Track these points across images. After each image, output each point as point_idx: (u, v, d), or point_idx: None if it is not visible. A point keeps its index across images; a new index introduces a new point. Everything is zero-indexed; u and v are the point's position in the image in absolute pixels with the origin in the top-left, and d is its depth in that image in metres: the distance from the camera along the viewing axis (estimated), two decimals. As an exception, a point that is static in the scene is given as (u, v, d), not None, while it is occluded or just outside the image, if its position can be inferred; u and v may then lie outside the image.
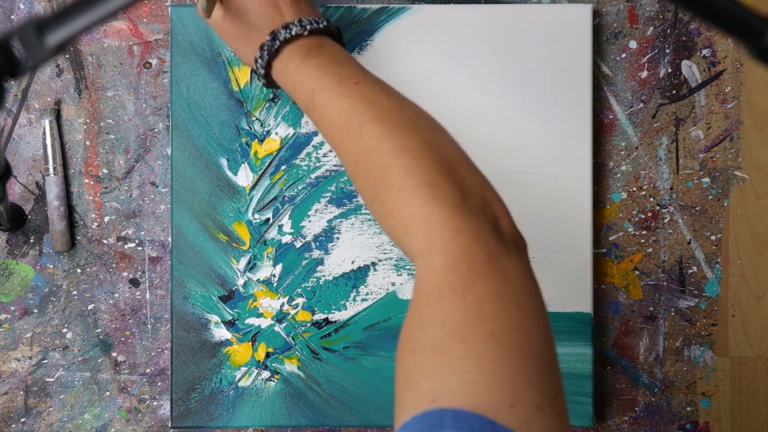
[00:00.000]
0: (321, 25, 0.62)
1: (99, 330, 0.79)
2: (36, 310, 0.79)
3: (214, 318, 0.78)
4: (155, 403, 0.79)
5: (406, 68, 0.78)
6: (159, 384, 0.79)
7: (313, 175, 0.78)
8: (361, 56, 0.78)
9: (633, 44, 0.80)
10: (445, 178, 0.50)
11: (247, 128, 0.78)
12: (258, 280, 0.78)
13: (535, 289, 0.48)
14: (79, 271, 0.79)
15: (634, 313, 0.80)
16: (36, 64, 0.49)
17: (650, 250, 0.80)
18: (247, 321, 0.78)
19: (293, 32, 0.61)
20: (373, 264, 0.78)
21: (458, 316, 0.45)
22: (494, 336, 0.44)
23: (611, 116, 0.80)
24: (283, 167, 0.78)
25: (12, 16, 0.79)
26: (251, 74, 0.78)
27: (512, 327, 0.44)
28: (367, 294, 0.78)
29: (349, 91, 0.57)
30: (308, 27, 0.61)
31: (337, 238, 0.78)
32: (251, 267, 0.78)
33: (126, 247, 0.79)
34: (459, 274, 0.46)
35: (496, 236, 0.48)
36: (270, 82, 0.64)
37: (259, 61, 0.62)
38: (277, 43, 0.61)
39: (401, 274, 0.78)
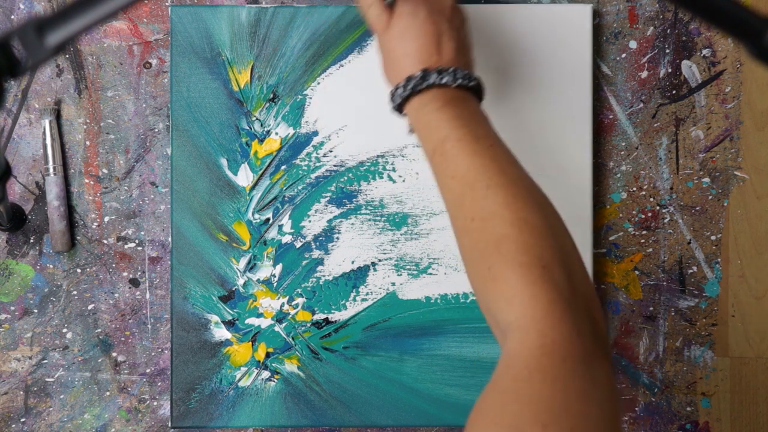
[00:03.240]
0: (471, 83, 0.62)
1: (99, 330, 0.79)
2: (36, 310, 0.79)
3: (214, 318, 0.78)
4: (155, 403, 0.79)
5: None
6: (159, 384, 0.79)
7: (313, 175, 0.78)
8: (361, 56, 0.78)
9: (633, 44, 0.80)
10: (560, 266, 0.50)
11: (247, 128, 0.78)
12: (258, 280, 0.78)
13: (617, 400, 0.49)
14: (79, 271, 0.79)
15: (634, 313, 0.80)
16: (36, 64, 0.49)
17: (650, 250, 0.80)
18: (247, 321, 0.78)
19: (444, 80, 0.61)
20: (373, 264, 0.78)
21: (544, 401, 0.45)
22: (573, 431, 0.44)
23: (611, 116, 0.80)
24: (283, 167, 0.78)
25: (12, 16, 0.79)
26: (251, 74, 0.78)
27: (592, 429, 0.45)
28: (367, 294, 0.78)
29: (484, 151, 0.57)
30: (460, 81, 0.61)
31: (337, 238, 0.78)
32: (251, 267, 0.78)
33: (126, 247, 0.79)
34: (553, 361, 0.46)
35: (593, 338, 0.49)
36: (398, 110, 0.64)
37: (400, 90, 0.62)
38: (425, 84, 0.61)
39: (401, 274, 0.78)
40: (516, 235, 0.52)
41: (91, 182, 0.79)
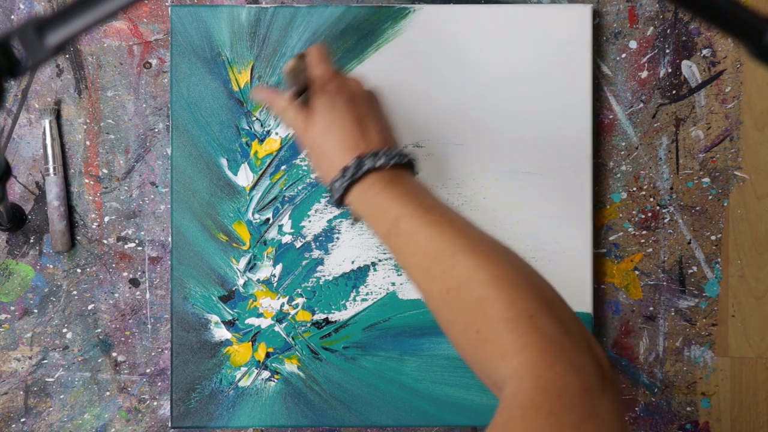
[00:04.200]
0: (405, 160, 0.62)
1: (99, 330, 0.79)
2: (36, 310, 0.79)
3: (214, 318, 0.78)
4: (155, 403, 0.79)
5: (406, 68, 0.78)
6: (159, 384, 0.79)
7: (313, 175, 0.78)
8: (361, 56, 0.78)
9: (633, 44, 0.80)
10: (546, 313, 0.51)
11: (247, 128, 0.78)
12: (258, 280, 0.78)
13: (623, 427, 0.48)
14: (79, 271, 0.79)
15: (634, 313, 0.80)
16: (36, 64, 0.49)
17: (650, 250, 0.80)
18: (247, 321, 0.78)
19: (379, 163, 0.61)
20: (373, 264, 0.78)
21: None
22: None
23: (611, 116, 0.80)
24: (283, 167, 0.78)
25: (12, 16, 0.79)
26: (251, 74, 0.78)
27: None
28: (367, 294, 0.78)
29: (438, 220, 0.57)
30: (396, 159, 0.61)
31: (337, 238, 0.78)
32: (251, 267, 0.78)
33: (126, 247, 0.79)
34: (547, 398, 0.47)
35: (596, 372, 0.49)
36: (339, 203, 0.63)
37: (338, 182, 0.61)
38: (362, 170, 0.61)
39: (401, 274, 0.78)
40: (496, 294, 0.52)
41: (91, 182, 0.79)
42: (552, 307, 0.51)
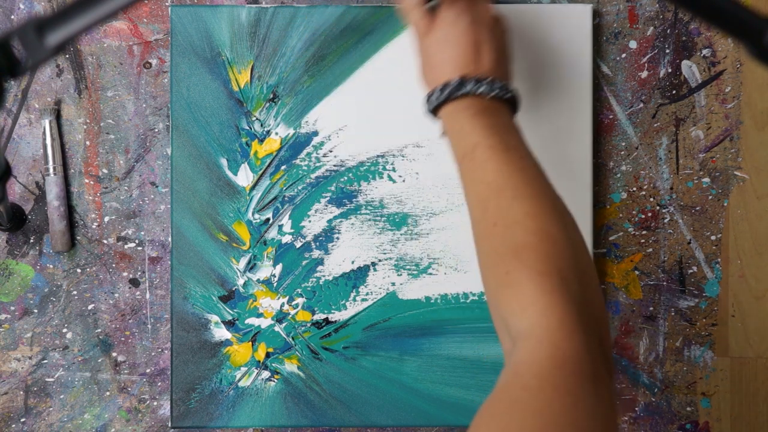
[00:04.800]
0: (508, 95, 0.63)
1: (99, 330, 0.79)
2: (36, 310, 0.79)
3: (214, 318, 0.78)
4: (155, 403, 0.79)
5: (407, 68, 0.78)
6: (159, 384, 0.79)
7: (313, 175, 0.78)
8: (361, 56, 0.78)
9: (633, 44, 0.80)
10: (577, 280, 0.51)
11: (247, 128, 0.78)
12: (258, 280, 0.78)
13: (617, 417, 0.49)
14: (79, 271, 0.79)
15: (634, 313, 0.80)
16: (36, 64, 0.49)
17: (650, 250, 0.80)
18: (247, 321, 0.78)
19: (480, 90, 0.61)
20: (373, 264, 0.78)
21: (554, 414, 0.45)
22: None
23: (611, 116, 0.80)
24: (283, 167, 0.78)
25: (12, 16, 0.79)
26: (251, 74, 0.78)
27: None
28: (367, 294, 0.78)
29: (513, 161, 0.58)
30: (497, 93, 0.62)
31: (337, 238, 0.78)
32: (251, 267, 0.78)
33: (126, 247, 0.79)
34: (563, 374, 0.47)
35: (600, 355, 0.49)
36: (432, 113, 0.64)
37: (436, 94, 0.63)
38: (462, 91, 0.62)
39: (401, 274, 0.78)
40: (537, 244, 0.52)
41: (91, 182, 0.79)
42: (584, 275, 0.52)
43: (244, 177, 0.78)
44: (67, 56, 0.79)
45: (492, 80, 0.62)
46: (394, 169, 0.78)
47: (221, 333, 0.78)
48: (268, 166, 0.78)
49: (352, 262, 0.78)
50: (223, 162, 0.78)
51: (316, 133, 0.78)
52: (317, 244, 0.78)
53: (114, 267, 0.79)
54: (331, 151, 0.78)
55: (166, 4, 0.79)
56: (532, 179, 0.57)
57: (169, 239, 0.78)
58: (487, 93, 0.61)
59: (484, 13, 0.65)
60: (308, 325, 0.78)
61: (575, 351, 0.48)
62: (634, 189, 0.80)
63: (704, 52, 0.80)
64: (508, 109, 0.63)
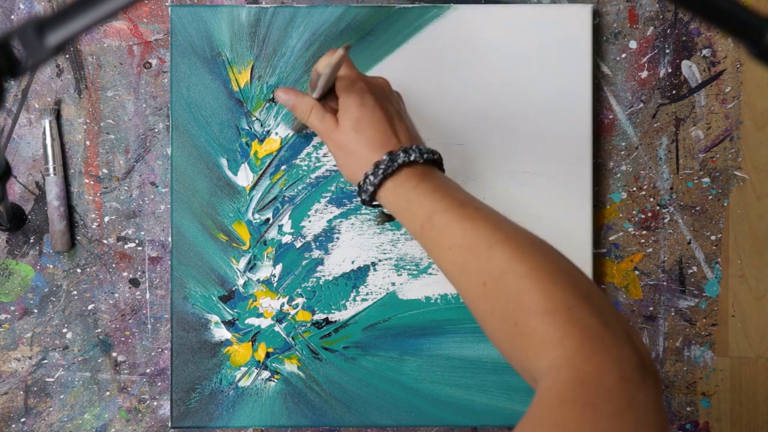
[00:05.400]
0: (435, 156, 0.63)
1: (99, 330, 0.79)
2: (36, 310, 0.79)
3: (214, 318, 0.78)
4: (155, 403, 0.79)
5: (405, 68, 0.78)
6: (159, 384, 0.79)
7: (313, 175, 0.78)
8: (360, 56, 0.78)
9: (633, 44, 0.80)
10: (584, 304, 0.50)
11: (247, 128, 0.78)
12: (258, 280, 0.78)
13: (661, 422, 0.48)
14: (79, 271, 0.79)
15: (634, 313, 0.80)
16: (36, 64, 0.49)
17: (650, 250, 0.80)
18: (247, 321, 0.78)
19: (412, 158, 0.61)
20: (373, 264, 0.78)
21: (573, 424, 0.45)
22: None
23: (611, 116, 0.80)
24: (283, 167, 0.78)
25: (12, 16, 0.79)
26: (251, 74, 0.78)
27: None
28: (367, 294, 0.78)
29: (472, 214, 0.57)
30: (425, 156, 0.62)
31: (337, 238, 0.78)
32: (251, 267, 0.78)
33: (126, 247, 0.79)
34: (585, 389, 0.47)
35: (636, 363, 0.48)
36: (370, 199, 0.64)
37: (371, 178, 0.62)
38: (396, 164, 0.61)
39: (401, 274, 0.78)
40: (533, 286, 0.52)
41: (91, 182, 0.79)
42: (589, 298, 0.51)
43: (244, 177, 0.78)
44: (67, 56, 0.79)
45: (417, 147, 0.62)
46: (394, 169, 0.78)
47: (221, 333, 0.78)
48: (268, 166, 0.78)
49: (352, 262, 0.78)
50: (223, 162, 0.78)
51: (315, 134, 0.78)
52: (317, 244, 0.78)
53: (114, 267, 0.79)
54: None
55: (166, 4, 0.79)
56: (498, 224, 0.56)
57: (169, 239, 0.78)
58: (420, 158, 0.61)
59: (384, 88, 0.66)
60: (308, 325, 0.78)
61: (597, 367, 0.47)
62: (634, 189, 0.80)
63: (704, 52, 0.80)
64: (438, 170, 0.63)
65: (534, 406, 0.48)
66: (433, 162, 0.63)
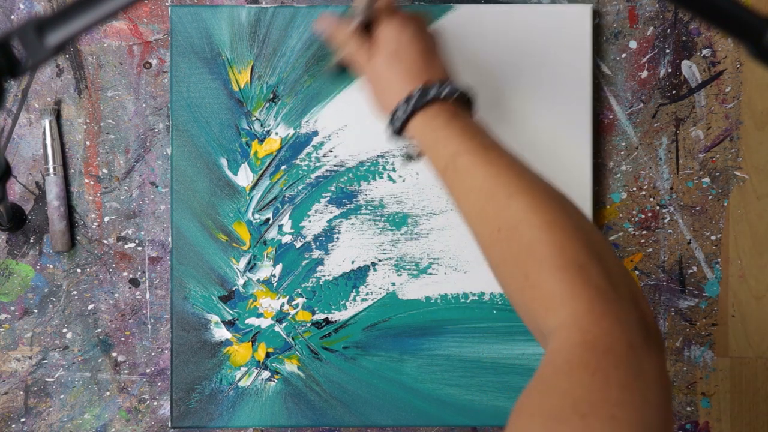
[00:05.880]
0: (469, 94, 0.62)
1: (99, 330, 0.79)
2: (36, 310, 0.79)
3: (214, 318, 0.78)
4: (155, 403, 0.79)
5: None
6: (159, 384, 0.79)
7: (313, 175, 0.78)
8: (361, 56, 0.78)
9: (633, 44, 0.80)
10: (596, 264, 0.50)
11: (247, 128, 0.78)
12: (258, 280, 0.78)
13: (666, 391, 0.48)
14: (79, 271, 0.79)
15: (634, 313, 0.80)
16: (36, 64, 0.49)
17: (650, 250, 0.80)
18: (247, 321, 0.78)
19: (445, 93, 0.61)
20: (373, 264, 0.78)
21: (583, 391, 0.45)
22: (614, 419, 0.44)
23: (611, 116, 0.80)
24: (283, 167, 0.78)
25: (12, 16, 0.79)
26: (251, 74, 0.78)
27: (634, 416, 0.44)
28: (367, 294, 0.78)
29: (497, 160, 0.57)
30: (459, 93, 0.61)
31: (337, 238, 0.78)
32: (251, 267, 0.78)
33: (126, 247, 0.79)
34: (594, 354, 0.46)
35: (641, 329, 0.48)
36: (398, 131, 0.63)
37: (401, 111, 0.61)
38: (428, 98, 0.61)
39: (401, 274, 0.78)
40: (547, 239, 0.51)
41: (91, 182, 0.79)
42: (602, 257, 0.51)
43: (244, 177, 0.78)
44: (67, 56, 0.79)
45: (451, 83, 0.61)
46: (394, 169, 0.78)
47: (221, 333, 0.78)
48: (268, 166, 0.78)
49: (352, 262, 0.78)
50: (223, 162, 0.78)
51: (316, 133, 0.78)
52: (317, 244, 0.78)
53: (114, 267, 0.79)
54: (331, 151, 0.78)
55: (166, 4, 0.79)
56: (520, 173, 0.56)
57: (169, 239, 0.78)
58: (452, 95, 0.61)
59: (421, 23, 0.65)
60: (308, 325, 0.78)
61: (605, 332, 0.47)
62: (634, 189, 0.80)
63: (704, 52, 0.80)
64: (469, 111, 0.63)
65: (542, 369, 0.48)
66: (466, 102, 0.62)
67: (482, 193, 0.56)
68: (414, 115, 0.61)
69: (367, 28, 0.65)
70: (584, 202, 0.78)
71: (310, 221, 0.78)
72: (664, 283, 0.80)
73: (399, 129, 0.62)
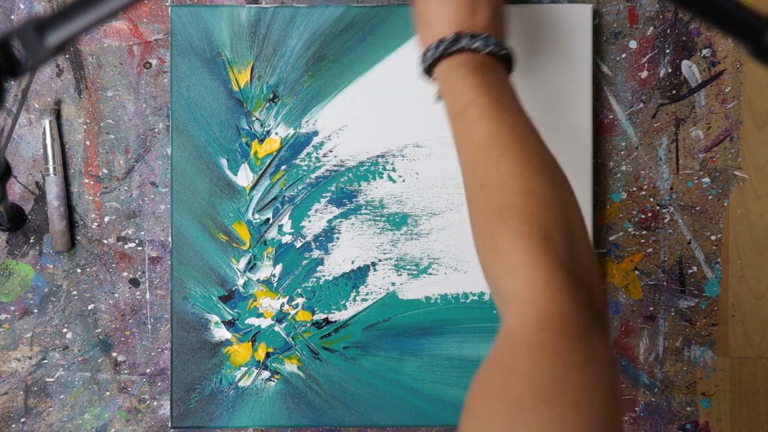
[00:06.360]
0: (502, 52, 0.62)
1: (99, 330, 0.79)
2: (36, 310, 0.79)
3: (214, 318, 0.78)
4: (155, 403, 0.79)
5: (406, 68, 0.78)
6: (159, 384, 0.79)
7: (313, 175, 0.78)
8: (366, 61, 0.78)
9: (633, 44, 0.80)
10: (562, 238, 0.50)
11: (247, 128, 0.78)
12: (258, 280, 0.78)
13: (616, 371, 0.49)
14: (79, 271, 0.79)
15: (634, 313, 0.80)
16: (36, 64, 0.49)
17: (650, 250, 0.80)
18: (247, 321, 0.78)
19: (476, 46, 0.61)
20: (373, 264, 0.78)
21: (544, 375, 0.45)
22: (576, 405, 0.44)
23: (611, 116, 0.80)
24: (283, 167, 0.78)
25: (12, 16, 0.79)
26: (251, 74, 0.78)
27: (594, 401, 0.45)
28: (367, 294, 0.78)
29: (503, 119, 0.57)
30: (491, 49, 0.61)
31: (337, 238, 0.78)
32: (251, 267, 0.78)
33: (126, 247, 0.79)
34: (551, 335, 0.46)
35: (590, 310, 0.49)
36: (427, 71, 0.64)
37: (431, 52, 0.62)
38: (456, 47, 0.61)
39: (401, 274, 0.78)
40: (520, 204, 0.52)
41: (91, 182, 0.79)
42: (570, 233, 0.51)
43: (244, 177, 0.78)
44: (67, 56, 0.79)
45: (487, 36, 0.61)
46: (394, 169, 0.78)
47: (221, 333, 0.78)
48: (268, 166, 0.78)
49: (352, 262, 0.78)
50: (223, 162, 0.78)
51: (316, 133, 0.78)
52: (317, 244, 0.78)
53: (114, 267, 0.79)
54: (331, 151, 0.78)
55: (166, 4, 0.79)
56: (522, 137, 0.56)
57: (169, 239, 0.78)
58: (482, 48, 0.61)
59: None
60: (308, 325, 0.78)
61: (561, 310, 0.47)
62: (634, 189, 0.80)
63: (704, 52, 0.80)
64: (503, 67, 0.63)
65: (499, 349, 0.48)
66: (499, 58, 0.62)
67: (479, 148, 0.56)
68: (441, 60, 0.62)
69: None
70: (584, 202, 0.78)
71: (310, 221, 0.78)
72: (664, 283, 0.80)
73: (427, 69, 0.63)
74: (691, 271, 0.80)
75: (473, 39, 0.61)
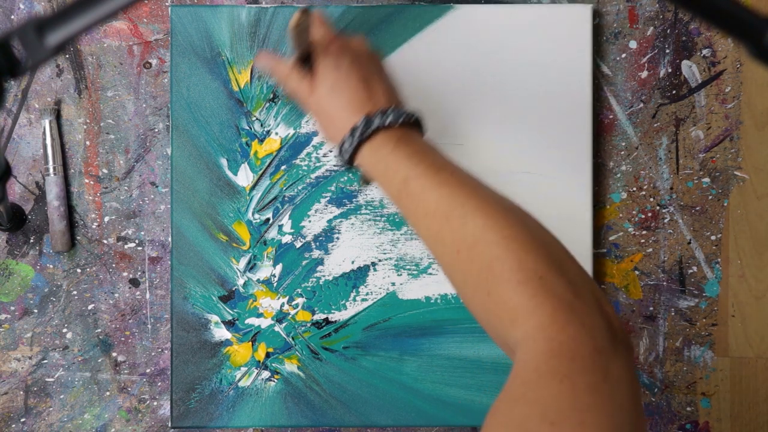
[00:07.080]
0: (413, 118, 0.62)
1: (99, 330, 0.79)
2: (36, 310, 0.79)
3: (214, 318, 0.78)
4: (155, 403, 0.79)
5: (406, 68, 0.78)
6: (159, 384, 0.79)
7: (313, 175, 0.78)
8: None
9: (633, 44, 0.80)
10: (556, 273, 0.50)
11: (247, 128, 0.78)
12: (258, 280, 0.78)
13: (635, 391, 0.48)
14: (79, 271, 0.79)
15: (634, 313, 0.80)
16: (36, 64, 0.49)
17: (650, 250, 0.80)
18: (247, 321, 0.78)
19: (388, 121, 0.60)
20: (373, 264, 0.78)
21: (551, 399, 0.45)
22: (583, 425, 0.44)
23: (611, 116, 0.80)
24: (283, 167, 0.78)
25: (12, 16, 0.79)
26: (251, 74, 0.78)
27: (603, 420, 0.44)
28: (367, 294, 0.78)
29: (448, 180, 0.56)
30: (404, 118, 0.61)
31: (337, 238, 0.78)
32: (251, 267, 0.78)
33: (126, 247, 0.79)
34: (561, 361, 0.46)
35: (607, 333, 0.48)
36: (349, 162, 0.63)
37: (347, 143, 0.61)
38: (371, 128, 0.60)
39: (401, 274, 0.78)
40: (505, 254, 0.51)
41: (91, 182, 0.79)
42: (562, 267, 0.51)
43: (244, 177, 0.78)
44: (67, 56, 0.79)
45: (394, 108, 0.61)
46: (394, 169, 0.78)
47: (221, 333, 0.78)
48: (268, 166, 0.78)
49: (352, 262, 0.78)
50: (223, 162, 0.78)
51: (316, 133, 0.78)
52: (317, 244, 0.78)
53: (114, 267, 0.79)
54: (331, 151, 0.78)
55: (166, 4, 0.79)
56: (473, 191, 0.56)
57: (169, 239, 0.78)
58: (396, 122, 0.60)
59: (359, 48, 0.65)
60: (308, 325, 0.78)
61: (571, 338, 0.47)
62: (634, 189, 0.80)
63: (704, 52, 0.80)
64: (419, 133, 0.62)
65: (511, 381, 0.48)
66: (412, 124, 0.62)
67: (437, 216, 0.55)
68: (361, 147, 0.61)
69: (308, 60, 0.64)
70: (584, 202, 0.78)
71: (310, 221, 0.78)
72: (664, 283, 0.80)
73: (348, 161, 0.62)
74: (691, 271, 0.80)
75: (384, 115, 0.60)
